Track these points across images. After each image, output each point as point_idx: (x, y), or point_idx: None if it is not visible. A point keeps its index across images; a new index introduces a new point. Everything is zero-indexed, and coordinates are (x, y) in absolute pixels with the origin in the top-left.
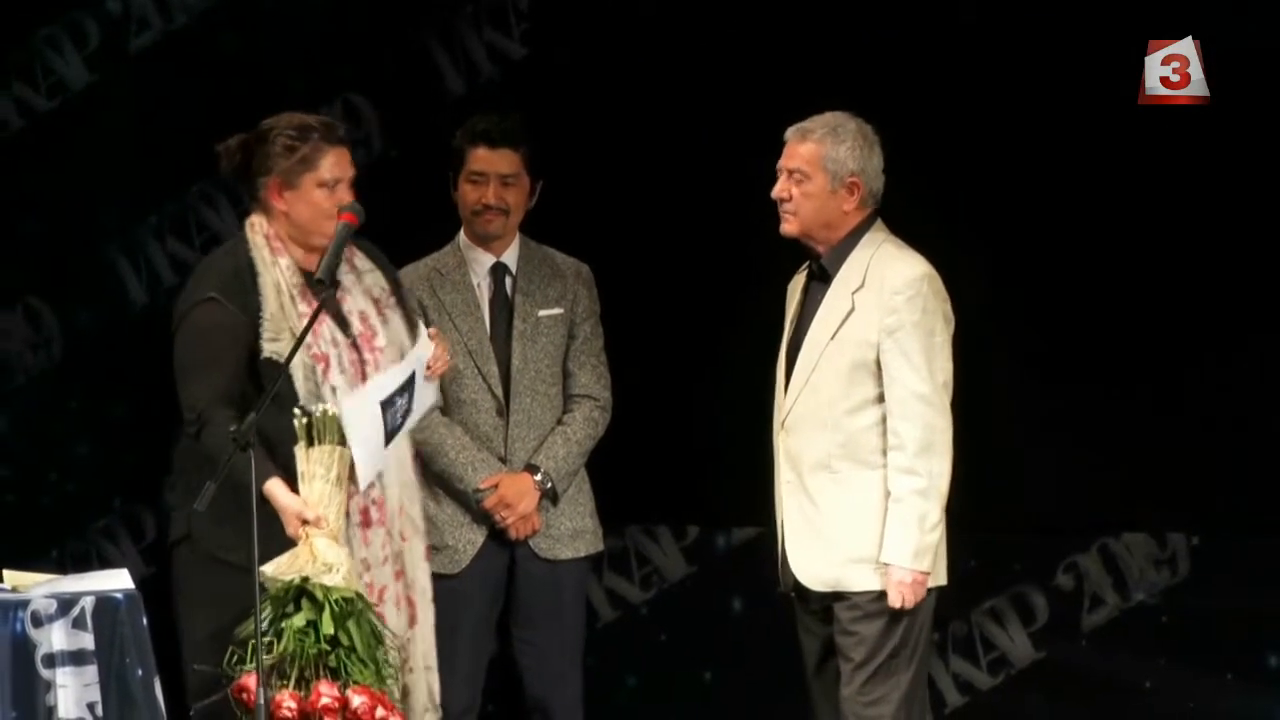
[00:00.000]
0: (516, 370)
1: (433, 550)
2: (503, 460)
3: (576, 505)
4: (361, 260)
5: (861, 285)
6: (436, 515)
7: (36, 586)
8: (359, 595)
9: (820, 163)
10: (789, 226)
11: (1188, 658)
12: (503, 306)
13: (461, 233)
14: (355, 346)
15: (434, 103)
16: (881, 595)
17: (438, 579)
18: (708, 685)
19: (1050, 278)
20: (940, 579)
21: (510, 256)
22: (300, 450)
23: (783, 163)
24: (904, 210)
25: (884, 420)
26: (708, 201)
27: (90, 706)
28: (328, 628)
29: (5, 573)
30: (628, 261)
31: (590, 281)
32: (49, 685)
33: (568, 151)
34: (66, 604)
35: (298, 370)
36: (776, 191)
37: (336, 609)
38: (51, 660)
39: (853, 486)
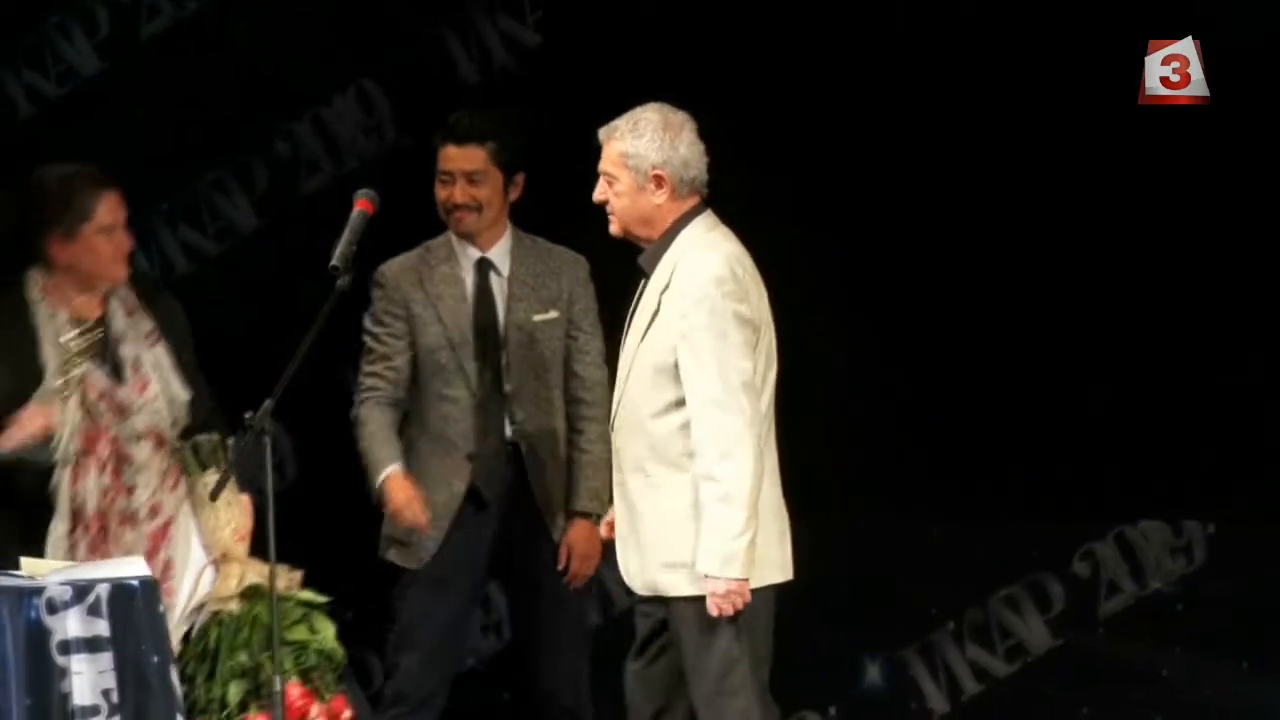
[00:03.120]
0: (516, 380)
1: (398, 545)
2: (470, 459)
3: None
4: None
5: (667, 285)
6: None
7: (52, 573)
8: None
9: (622, 161)
10: (612, 227)
11: (1204, 645)
12: (487, 303)
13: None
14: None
15: (448, 91)
16: (695, 599)
17: (402, 573)
18: None
19: (1057, 277)
20: (770, 577)
21: (499, 253)
22: (199, 478)
23: (599, 165)
24: (906, 211)
25: (689, 424)
26: (723, 191)
27: (105, 693)
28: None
29: (21, 560)
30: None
31: (587, 276)
32: (64, 672)
33: (581, 140)
34: (82, 591)
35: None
36: (595, 196)
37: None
38: (66, 647)
39: (664, 490)
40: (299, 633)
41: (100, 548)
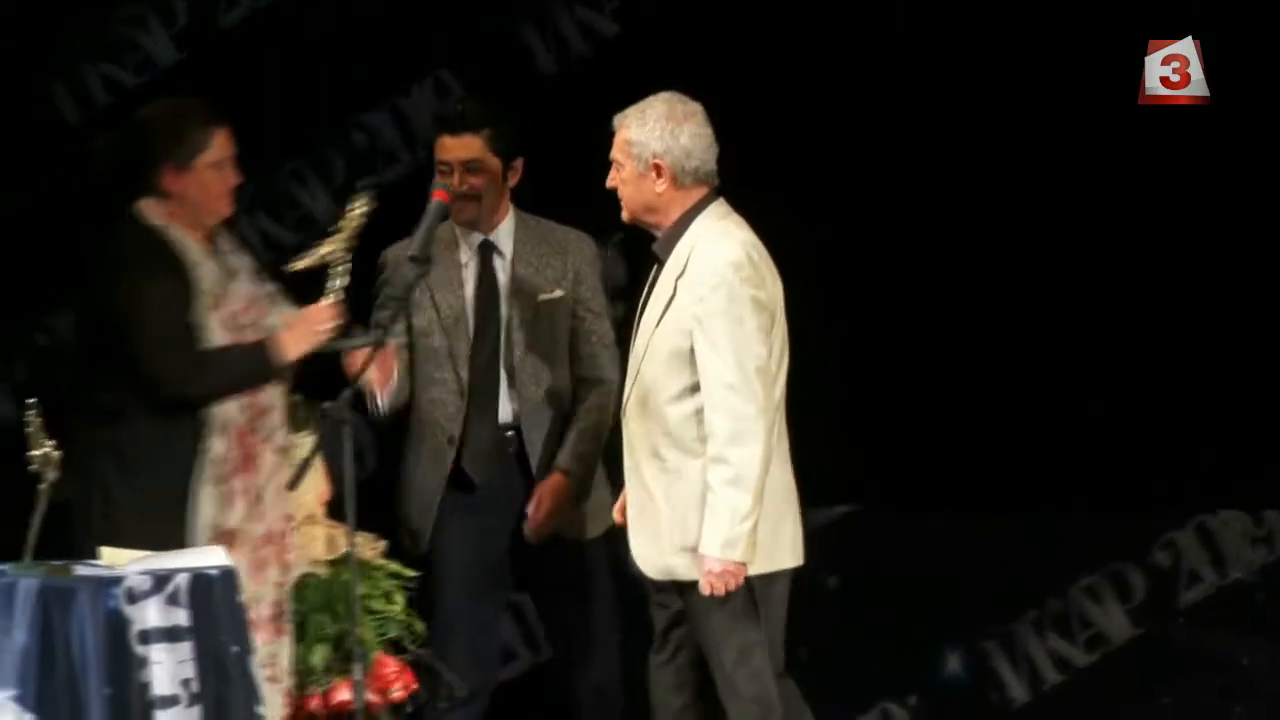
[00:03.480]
0: (518, 362)
1: (406, 534)
2: (451, 442)
3: (596, 487)
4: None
5: (683, 271)
6: (404, 500)
7: (131, 563)
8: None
9: (626, 149)
10: (623, 214)
11: None
12: (489, 285)
13: None
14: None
15: (525, 81)
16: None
17: (414, 563)
18: None
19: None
20: (783, 561)
21: (502, 235)
22: (297, 439)
23: (611, 152)
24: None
25: (703, 409)
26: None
27: (185, 683)
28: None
29: (101, 549)
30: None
31: (594, 255)
32: (143, 662)
33: None
34: (161, 580)
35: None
36: (608, 182)
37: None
38: (146, 637)
39: (680, 475)
40: (380, 604)
41: (247, 468)
